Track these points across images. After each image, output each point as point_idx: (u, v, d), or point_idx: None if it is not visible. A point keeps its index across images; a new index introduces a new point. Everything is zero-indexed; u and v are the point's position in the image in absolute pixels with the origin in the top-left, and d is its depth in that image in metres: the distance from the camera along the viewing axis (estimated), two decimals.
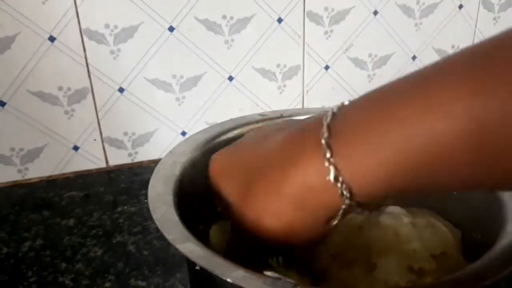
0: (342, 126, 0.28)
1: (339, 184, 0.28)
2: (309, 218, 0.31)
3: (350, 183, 0.28)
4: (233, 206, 0.34)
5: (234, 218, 0.34)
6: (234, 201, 0.34)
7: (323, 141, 0.28)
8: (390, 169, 0.26)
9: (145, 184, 0.45)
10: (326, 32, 0.76)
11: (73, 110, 0.68)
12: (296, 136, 0.32)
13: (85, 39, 0.65)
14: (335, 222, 0.31)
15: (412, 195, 0.35)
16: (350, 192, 0.28)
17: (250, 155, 0.35)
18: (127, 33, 0.66)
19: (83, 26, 0.64)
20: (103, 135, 0.71)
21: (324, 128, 0.29)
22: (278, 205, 0.31)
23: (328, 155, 0.28)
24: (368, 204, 0.30)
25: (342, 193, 0.28)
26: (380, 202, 0.32)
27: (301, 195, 0.30)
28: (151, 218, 0.37)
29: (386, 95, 0.27)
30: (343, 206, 0.29)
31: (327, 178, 0.28)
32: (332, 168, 0.28)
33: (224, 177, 0.36)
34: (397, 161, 0.26)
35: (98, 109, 0.69)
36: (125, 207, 0.65)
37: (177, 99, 0.72)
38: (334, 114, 0.29)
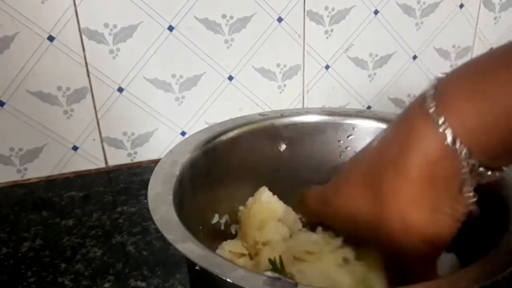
0: (446, 91, 0.30)
1: (457, 145, 0.29)
2: (444, 195, 0.31)
3: (467, 141, 0.29)
4: (368, 223, 0.34)
5: (377, 236, 0.35)
6: (369, 217, 0.34)
7: (431, 111, 0.30)
8: (502, 122, 0.28)
9: (144, 184, 0.45)
10: (326, 32, 0.75)
11: (72, 110, 0.68)
12: (398, 126, 0.33)
13: (85, 38, 0.65)
14: (469, 190, 0.32)
15: None
16: (470, 151, 0.29)
17: (357, 174, 0.36)
18: (126, 33, 0.66)
19: (82, 26, 0.64)
20: (103, 135, 0.71)
21: (429, 99, 0.30)
22: (413, 194, 0.32)
23: (441, 120, 0.29)
24: (490, 163, 0.31)
25: (461, 153, 0.29)
26: (501, 162, 0.32)
27: (427, 173, 0.31)
28: (150, 218, 0.37)
29: (486, 63, 0.29)
30: (465, 166, 0.30)
31: (445, 143, 0.29)
32: (448, 131, 0.29)
33: (342, 204, 0.37)
34: (509, 114, 0.27)
35: (97, 109, 0.69)
36: (125, 207, 0.64)
37: (177, 98, 0.72)
38: (434, 86, 0.31)
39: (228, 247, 0.48)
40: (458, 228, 0.34)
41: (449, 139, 0.29)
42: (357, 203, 0.35)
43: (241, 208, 0.52)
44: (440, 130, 0.29)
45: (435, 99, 0.30)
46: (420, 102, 0.31)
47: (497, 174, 0.32)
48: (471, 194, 0.32)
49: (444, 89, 0.30)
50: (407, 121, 0.32)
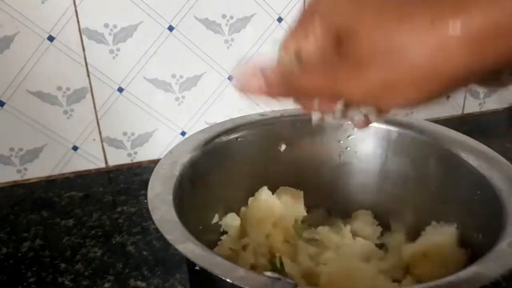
0: None
1: None
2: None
3: None
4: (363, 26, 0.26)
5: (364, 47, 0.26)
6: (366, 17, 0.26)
7: None
8: None
9: (144, 184, 0.45)
10: None
11: (72, 110, 0.68)
12: None
13: (84, 38, 0.65)
14: None
15: None
16: None
17: None
18: (126, 33, 0.66)
19: (82, 26, 0.64)
20: (102, 135, 0.71)
21: None
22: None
23: None
24: None
25: None
26: None
27: None
28: (150, 219, 0.37)
29: None
30: None
31: None
32: None
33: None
34: None
35: (97, 109, 0.69)
36: (125, 208, 0.64)
37: (177, 98, 0.72)
38: None
39: (227, 243, 0.48)
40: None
41: None
42: None
43: (243, 208, 0.52)
44: None
45: None
46: None
47: None
48: None
49: None
50: None
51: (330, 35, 0.28)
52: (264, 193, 0.51)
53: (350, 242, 0.49)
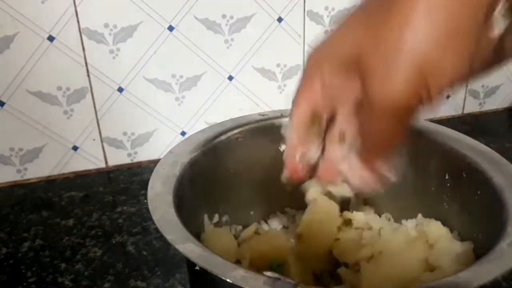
0: None
1: None
2: (468, 10, 0.24)
3: None
4: (363, 46, 0.28)
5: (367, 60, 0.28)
6: (362, 37, 0.29)
7: None
8: None
9: (144, 184, 0.45)
10: (326, 32, 0.75)
11: (72, 110, 0.68)
12: None
13: (84, 38, 0.65)
14: (497, 11, 0.25)
15: None
16: None
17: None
18: (126, 33, 0.66)
19: (82, 26, 0.64)
20: (102, 135, 0.71)
21: None
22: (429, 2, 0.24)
23: None
24: None
25: None
26: None
27: None
28: (150, 219, 0.37)
29: None
30: None
31: None
32: None
33: (342, 30, 0.31)
34: None
35: (97, 109, 0.69)
36: (125, 208, 0.64)
37: (177, 98, 0.72)
38: None
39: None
40: (466, 71, 0.26)
41: None
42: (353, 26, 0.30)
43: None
44: None
45: None
46: None
47: None
48: (502, 19, 0.25)
49: None
50: None
51: (344, 70, 0.30)
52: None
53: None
